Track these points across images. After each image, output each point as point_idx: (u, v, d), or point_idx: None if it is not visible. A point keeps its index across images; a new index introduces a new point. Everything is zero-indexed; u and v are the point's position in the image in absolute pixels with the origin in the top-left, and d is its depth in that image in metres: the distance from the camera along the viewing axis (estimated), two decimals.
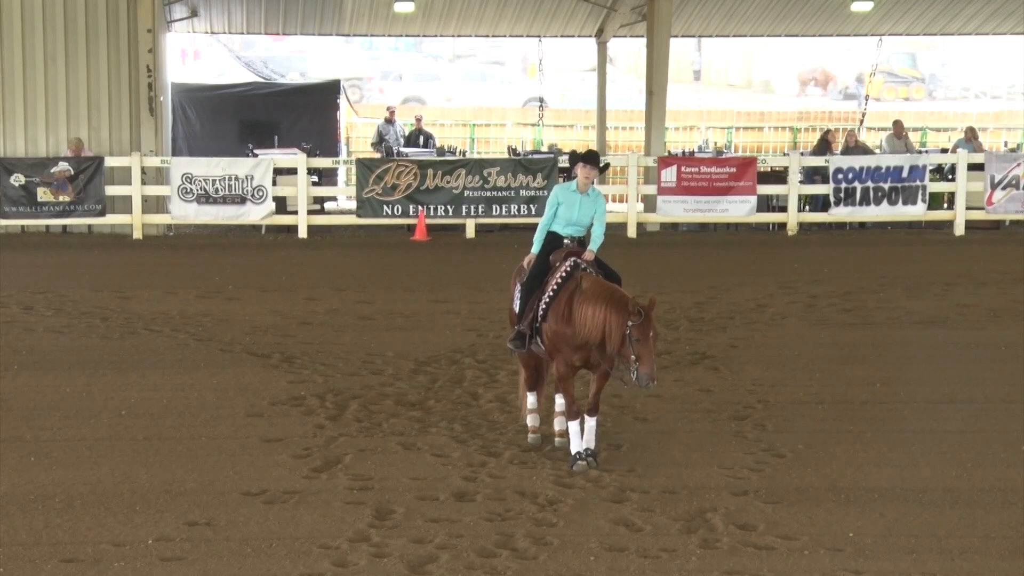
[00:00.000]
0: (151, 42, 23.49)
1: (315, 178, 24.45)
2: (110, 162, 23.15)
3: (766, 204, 24.48)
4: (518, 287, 10.40)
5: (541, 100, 31.92)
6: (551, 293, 9.94)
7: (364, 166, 23.66)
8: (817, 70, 48.50)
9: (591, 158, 10.30)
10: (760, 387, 12.22)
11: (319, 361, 13.18)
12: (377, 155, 26.83)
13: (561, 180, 24.75)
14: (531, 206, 23.10)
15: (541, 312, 9.97)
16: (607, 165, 11.10)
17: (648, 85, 25.53)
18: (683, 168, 23.86)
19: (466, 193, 23.35)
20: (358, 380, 12.40)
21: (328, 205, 26.34)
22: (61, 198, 22.85)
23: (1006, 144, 32.33)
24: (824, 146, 25.90)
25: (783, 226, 24.34)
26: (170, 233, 24.05)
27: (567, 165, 10.67)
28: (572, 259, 10.05)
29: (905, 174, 24.02)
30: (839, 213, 24.09)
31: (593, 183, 10.34)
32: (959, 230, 24.15)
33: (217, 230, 23.96)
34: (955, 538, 8.44)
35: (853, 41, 35.43)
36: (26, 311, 15.78)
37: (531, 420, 10.49)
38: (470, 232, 23.31)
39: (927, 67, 49.15)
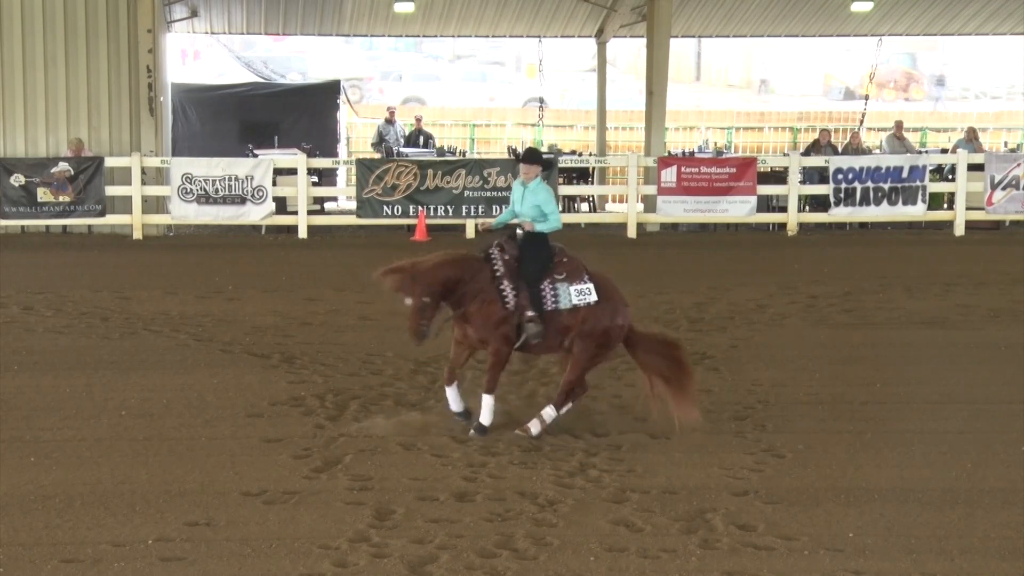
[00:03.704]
0: (151, 42, 23.50)
1: (315, 178, 24.46)
2: (110, 162, 23.16)
3: (766, 204, 24.50)
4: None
5: (541, 100, 31.92)
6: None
7: (364, 166, 23.67)
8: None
9: (529, 157, 11.18)
10: (760, 387, 12.21)
11: (319, 361, 13.18)
12: (377, 155, 26.85)
13: (562, 181, 24.84)
14: None
15: None
16: (548, 161, 12.00)
17: (648, 85, 25.54)
18: (683, 168, 23.87)
19: (466, 193, 23.35)
20: (358, 380, 12.40)
21: (328, 205, 26.36)
22: (61, 198, 22.85)
23: (1006, 144, 32.34)
24: (814, 147, 26.02)
25: (783, 226, 24.35)
26: (170, 233, 24.06)
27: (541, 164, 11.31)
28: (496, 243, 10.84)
29: (905, 174, 24.03)
30: (839, 213, 24.10)
31: (538, 177, 11.10)
32: (959, 230, 24.16)
33: (217, 230, 23.96)
34: (955, 538, 8.44)
35: (853, 41, 35.45)
36: (26, 311, 15.78)
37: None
38: (470, 232, 23.30)
39: (927, 68, 49.14)
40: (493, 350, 10.64)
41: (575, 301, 10.57)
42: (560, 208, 24.25)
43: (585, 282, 10.61)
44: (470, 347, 10.90)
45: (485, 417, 10.64)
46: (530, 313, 10.49)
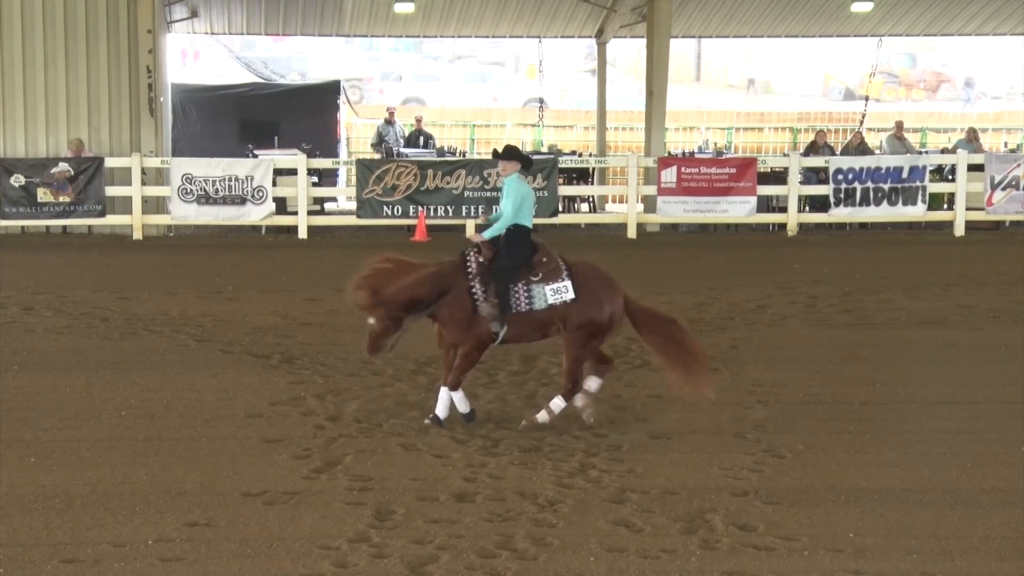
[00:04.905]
0: (151, 43, 23.51)
1: (315, 179, 24.46)
2: (110, 163, 23.17)
3: (766, 205, 24.50)
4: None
5: (541, 101, 31.93)
6: None
7: (364, 167, 23.67)
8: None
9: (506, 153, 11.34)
10: (760, 388, 12.21)
11: (319, 362, 13.17)
12: (377, 156, 26.85)
13: (562, 181, 24.84)
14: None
15: None
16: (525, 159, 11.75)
17: (648, 86, 25.54)
18: (683, 169, 23.87)
19: (466, 194, 23.35)
20: (358, 381, 12.40)
21: (328, 206, 26.36)
22: (61, 199, 22.86)
23: (1006, 145, 32.35)
24: (812, 148, 26.06)
25: (783, 227, 24.36)
26: (170, 234, 24.07)
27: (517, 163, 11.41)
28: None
29: (905, 175, 24.03)
30: (839, 213, 24.10)
31: (515, 173, 11.26)
32: (959, 231, 24.16)
33: (217, 231, 23.96)
34: (955, 538, 8.44)
35: (853, 41, 35.49)
36: (26, 312, 15.78)
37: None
38: (470, 232, 23.28)
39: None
40: (464, 352, 10.87)
41: (551, 301, 10.82)
42: (560, 208, 24.38)
43: (563, 280, 10.83)
44: (450, 347, 11.02)
45: (441, 410, 10.90)
46: (493, 299, 10.74)
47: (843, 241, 23.67)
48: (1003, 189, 24.21)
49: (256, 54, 39.21)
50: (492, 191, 23.26)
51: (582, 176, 26.68)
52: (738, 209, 23.78)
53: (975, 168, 24.38)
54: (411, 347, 13.75)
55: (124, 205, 23.37)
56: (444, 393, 10.90)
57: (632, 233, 23.77)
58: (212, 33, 29.20)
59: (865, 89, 33.92)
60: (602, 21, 28.98)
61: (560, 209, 24.41)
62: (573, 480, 9.50)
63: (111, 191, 23.14)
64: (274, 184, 23.23)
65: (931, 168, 24.45)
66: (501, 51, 48.00)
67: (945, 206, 24.94)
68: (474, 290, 10.73)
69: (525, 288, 10.80)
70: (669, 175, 23.76)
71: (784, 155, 27.31)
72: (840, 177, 23.95)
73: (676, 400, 11.78)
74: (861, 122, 31.29)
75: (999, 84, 46.19)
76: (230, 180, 23.04)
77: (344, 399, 11.69)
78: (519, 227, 10.98)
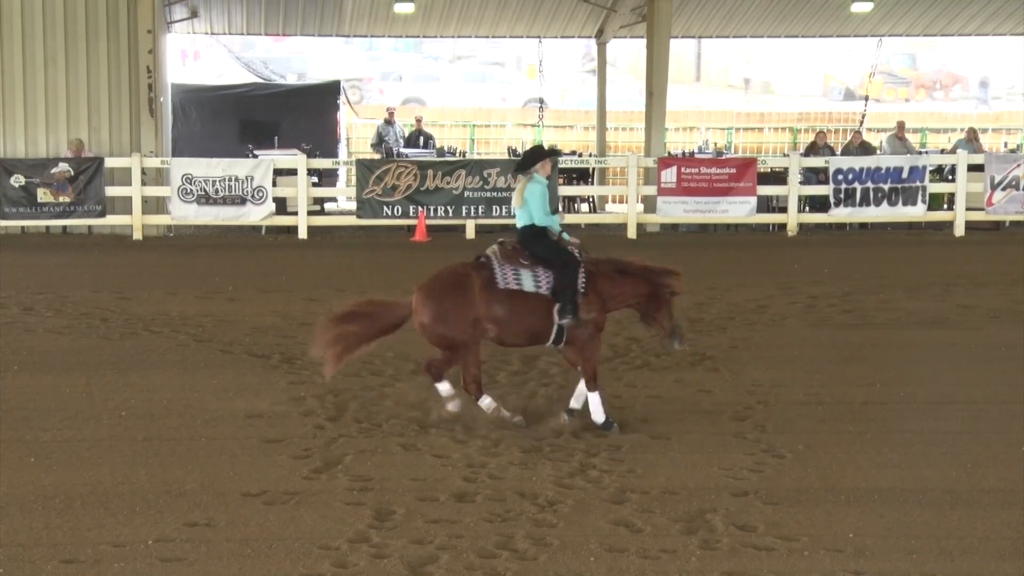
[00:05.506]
0: (151, 43, 23.51)
1: (315, 179, 24.47)
2: (110, 163, 23.18)
3: (766, 205, 24.50)
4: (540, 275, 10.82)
5: (541, 101, 31.93)
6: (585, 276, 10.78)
7: (364, 167, 23.67)
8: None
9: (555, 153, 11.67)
10: (760, 388, 12.21)
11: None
12: (377, 156, 26.86)
13: (562, 181, 24.83)
14: None
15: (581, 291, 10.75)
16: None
17: (648, 86, 25.55)
18: (683, 169, 23.87)
19: (466, 194, 23.36)
20: (358, 381, 12.39)
21: (328, 206, 26.37)
22: (61, 199, 22.87)
23: (1006, 145, 32.35)
24: (812, 148, 26.06)
25: (783, 227, 24.36)
26: (170, 234, 24.07)
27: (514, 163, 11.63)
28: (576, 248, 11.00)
29: (905, 175, 24.04)
30: (839, 214, 24.11)
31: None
32: (959, 231, 24.17)
33: (217, 231, 23.96)
34: (955, 539, 8.44)
35: (853, 41, 35.51)
36: (26, 312, 15.78)
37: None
38: (470, 233, 23.31)
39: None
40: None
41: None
42: (561, 208, 24.37)
43: None
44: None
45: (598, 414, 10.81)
46: None
47: (843, 241, 23.67)
48: (1003, 189, 24.22)
49: (256, 54, 39.23)
50: (492, 191, 23.28)
51: (582, 176, 26.69)
52: (738, 209, 23.79)
53: (975, 168, 24.38)
54: (411, 347, 13.79)
55: (124, 205, 23.38)
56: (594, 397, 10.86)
57: (632, 233, 23.77)
58: (212, 33, 29.22)
59: (865, 89, 33.91)
60: (602, 21, 28.98)
61: (561, 209, 24.39)
62: (573, 480, 9.50)
63: (111, 191, 23.14)
64: (274, 184, 23.24)
65: (931, 168, 24.46)
66: (501, 51, 48.00)
67: (945, 206, 24.95)
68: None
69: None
70: (669, 175, 23.76)
71: (784, 155, 27.31)
72: (840, 177, 23.96)
73: (676, 400, 11.80)
74: (861, 122, 31.29)
75: (999, 84, 46.23)
76: (230, 180, 23.04)
77: (344, 399, 11.69)
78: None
